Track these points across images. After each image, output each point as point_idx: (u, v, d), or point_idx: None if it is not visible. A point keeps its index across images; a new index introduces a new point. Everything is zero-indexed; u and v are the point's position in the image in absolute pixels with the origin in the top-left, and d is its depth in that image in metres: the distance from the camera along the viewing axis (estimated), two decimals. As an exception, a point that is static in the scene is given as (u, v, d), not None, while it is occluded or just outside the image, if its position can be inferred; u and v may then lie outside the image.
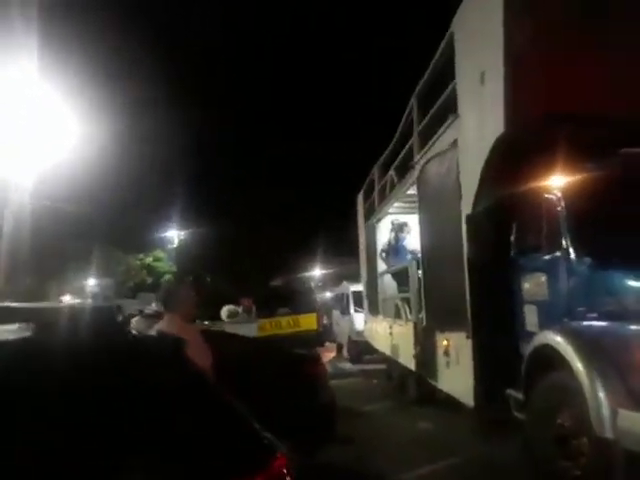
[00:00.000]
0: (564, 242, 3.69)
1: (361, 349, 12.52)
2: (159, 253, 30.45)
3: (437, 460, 4.92)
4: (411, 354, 6.79)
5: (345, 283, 16.67)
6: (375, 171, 9.46)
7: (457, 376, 5.11)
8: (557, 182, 3.80)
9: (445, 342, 5.44)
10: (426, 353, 6.17)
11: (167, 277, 30.38)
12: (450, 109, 5.19)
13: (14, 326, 2.01)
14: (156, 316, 4.78)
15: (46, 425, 1.54)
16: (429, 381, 6.10)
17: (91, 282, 25.02)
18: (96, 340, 1.82)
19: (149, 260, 29.73)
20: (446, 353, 5.41)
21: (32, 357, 1.70)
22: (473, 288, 4.64)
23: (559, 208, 3.77)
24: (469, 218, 4.55)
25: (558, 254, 3.74)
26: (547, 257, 3.88)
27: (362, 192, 11.05)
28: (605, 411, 2.97)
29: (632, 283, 3.18)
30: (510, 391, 4.32)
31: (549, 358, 3.59)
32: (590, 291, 3.45)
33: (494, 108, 3.97)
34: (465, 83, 4.70)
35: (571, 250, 3.61)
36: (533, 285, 4.08)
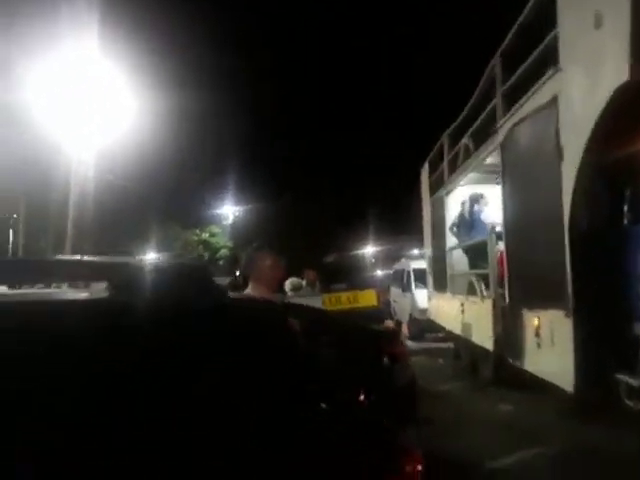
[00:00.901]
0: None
1: (422, 327, 12.15)
2: (215, 228, 30.88)
3: (525, 447, 4.54)
4: (488, 333, 6.38)
5: (404, 260, 16.23)
6: (444, 140, 8.91)
7: (551, 358, 4.68)
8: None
9: (536, 321, 4.99)
10: (508, 332, 5.74)
11: (223, 251, 30.89)
12: (547, 63, 4.65)
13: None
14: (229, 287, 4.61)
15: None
16: (512, 362, 5.67)
17: (150, 256, 25.71)
18: (197, 304, 1.53)
19: (205, 236, 30.22)
20: (537, 333, 4.96)
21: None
22: (576, 261, 4.17)
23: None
24: (577, 181, 4.05)
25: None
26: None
27: (427, 163, 10.52)
28: None
29: None
30: (621, 376, 3.88)
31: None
32: None
33: (614, 55, 3.45)
34: (571, 30, 4.14)
35: None
36: (656, 258, 3.58)
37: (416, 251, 32.47)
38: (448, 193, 8.70)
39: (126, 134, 11.60)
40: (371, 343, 4.37)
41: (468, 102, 7.58)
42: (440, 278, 9.28)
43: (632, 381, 3.72)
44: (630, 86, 3.36)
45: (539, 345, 4.95)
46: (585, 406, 4.27)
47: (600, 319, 4.02)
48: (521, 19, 5.13)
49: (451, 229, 8.25)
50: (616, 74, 3.45)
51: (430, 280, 10.44)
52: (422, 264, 13.11)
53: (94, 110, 10.07)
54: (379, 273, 19.80)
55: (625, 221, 3.94)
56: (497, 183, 7.89)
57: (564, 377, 4.31)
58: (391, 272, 17.96)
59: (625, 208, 3.94)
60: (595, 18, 3.64)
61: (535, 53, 4.87)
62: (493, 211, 7.81)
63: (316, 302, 10.55)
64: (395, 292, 15.06)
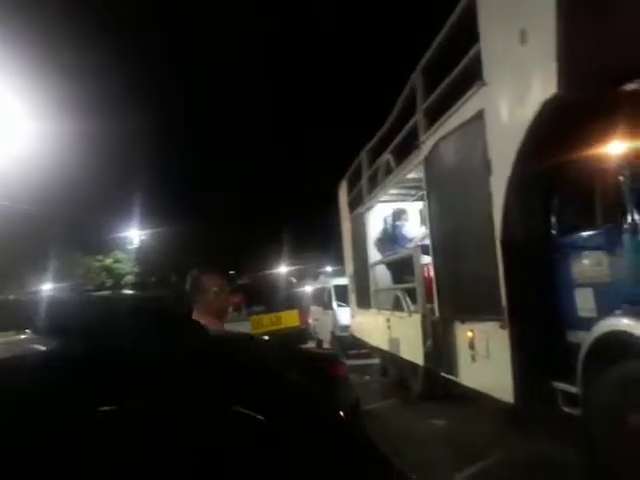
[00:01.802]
0: (630, 216, 3.29)
1: (345, 344, 12.08)
2: (119, 254, 29.01)
3: (465, 462, 4.48)
4: (418, 348, 6.35)
5: (323, 277, 16.18)
6: (363, 157, 8.96)
7: (488, 370, 4.68)
8: (619, 148, 3.39)
9: (469, 333, 5.00)
10: (440, 346, 5.73)
11: (128, 278, 29.04)
12: (469, 78, 4.74)
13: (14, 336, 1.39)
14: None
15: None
16: (445, 376, 5.66)
17: (46, 286, 23.51)
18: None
19: (109, 261, 28.28)
20: (471, 345, 4.97)
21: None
22: (508, 273, 4.21)
23: (622, 177, 3.36)
24: (506, 193, 4.10)
25: (621, 229, 3.34)
26: (605, 234, 3.48)
27: (345, 181, 10.55)
28: None
29: None
30: (558, 384, 3.93)
31: (618, 346, 3.19)
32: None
33: (541, 68, 3.53)
34: (495, 45, 4.24)
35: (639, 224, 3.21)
36: (588, 266, 3.67)
37: (329, 268, 32.82)
38: (368, 209, 8.72)
39: (22, 157, 10.58)
40: (318, 366, 4.05)
41: (385, 119, 7.68)
42: (363, 294, 9.23)
43: (569, 388, 3.77)
44: (557, 98, 3.45)
45: (474, 358, 4.95)
46: (524, 416, 4.28)
47: (535, 329, 4.06)
48: (441, 35, 5.23)
49: (376, 244, 8.24)
50: (544, 87, 3.53)
51: (352, 297, 10.39)
52: (342, 281, 13.13)
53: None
54: (296, 292, 19.60)
55: (554, 231, 4.04)
56: (416, 199, 8.08)
57: (503, 389, 4.30)
58: (308, 290, 17.82)
59: (554, 219, 4.04)
60: (520, 34, 3.73)
61: (457, 68, 4.96)
62: (414, 226, 7.95)
63: (244, 327, 10.09)
64: (316, 310, 14.91)
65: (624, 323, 3.21)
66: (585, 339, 3.54)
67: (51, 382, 1.05)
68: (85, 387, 1.04)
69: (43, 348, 1.19)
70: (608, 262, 3.47)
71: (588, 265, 3.67)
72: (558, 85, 3.38)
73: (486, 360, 4.68)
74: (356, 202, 9.56)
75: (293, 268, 35.81)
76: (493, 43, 4.26)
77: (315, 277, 26.88)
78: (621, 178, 3.38)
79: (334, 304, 13.35)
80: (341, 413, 1.54)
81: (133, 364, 1.13)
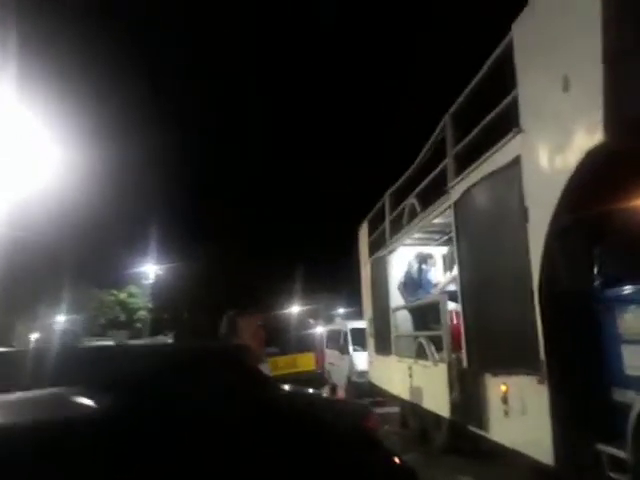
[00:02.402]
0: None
1: (361, 391, 11.71)
2: (133, 288, 29.06)
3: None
4: (443, 399, 6.08)
5: (339, 319, 15.93)
6: (386, 199, 8.92)
7: (523, 427, 4.42)
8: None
9: (503, 387, 4.75)
10: (468, 398, 5.47)
11: (141, 312, 28.97)
12: (503, 124, 4.71)
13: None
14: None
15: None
16: (474, 431, 5.36)
17: (60, 318, 23.48)
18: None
19: (123, 296, 28.32)
20: (504, 400, 4.71)
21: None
22: (547, 325, 4.02)
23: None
24: (545, 242, 3.97)
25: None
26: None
27: (366, 223, 10.50)
28: None
29: None
30: (602, 447, 3.67)
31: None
32: None
33: (586, 116, 3.47)
34: (534, 92, 4.20)
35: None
36: (636, 320, 3.48)
37: (342, 310, 32.43)
38: (391, 252, 8.59)
39: (42, 189, 10.76)
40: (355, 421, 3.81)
41: (408, 162, 7.68)
42: (383, 340, 8.98)
43: (617, 452, 3.52)
44: (603, 147, 3.36)
45: (507, 413, 4.69)
46: (567, 478, 3.99)
47: (576, 385, 3.84)
48: (475, 80, 5.23)
49: (398, 288, 8.07)
50: (589, 136, 3.45)
51: (371, 342, 10.13)
52: (359, 324, 12.87)
53: (6, 162, 9.23)
54: (309, 333, 19.28)
55: (596, 282, 3.87)
56: (440, 243, 7.97)
57: (541, 448, 4.04)
58: (322, 332, 17.49)
59: (597, 269, 3.88)
60: (563, 81, 3.69)
61: (491, 114, 4.94)
62: (439, 271, 7.80)
63: (263, 368, 9.83)
64: (331, 354, 14.57)
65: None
66: (636, 399, 3.32)
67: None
68: None
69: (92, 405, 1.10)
70: (659, 317, 3.29)
71: (636, 320, 3.48)
72: (605, 133, 3.30)
73: (521, 416, 4.42)
74: (377, 245, 9.46)
75: (305, 308, 35.49)
76: (532, 90, 4.23)
77: (328, 319, 26.53)
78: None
79: (350, 348, 13.04)
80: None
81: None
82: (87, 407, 1.15)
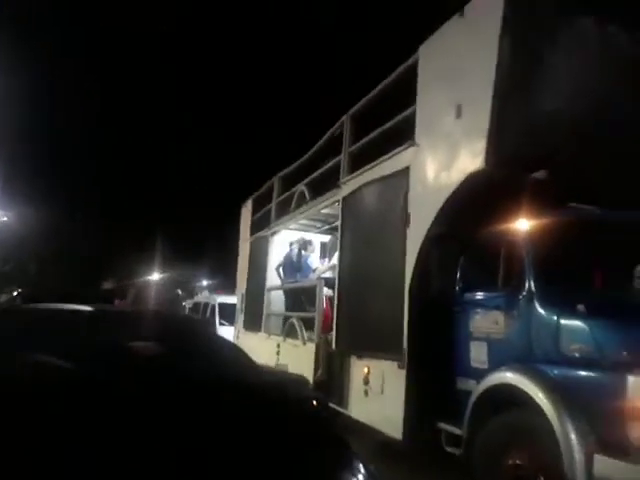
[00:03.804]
0: (527, 285, 3.80)
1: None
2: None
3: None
4: (309, 376, 6.49)
5: (207, 293, 15.80)
6: (275, 182, 9.10)
7: (380, 406, 4.98)
8: (525, 225, 3.92)
9: (365, 369, 5.28)
10: (333, 377, 5.96)
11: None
12: (400, 134, 5.15)
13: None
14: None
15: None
16: (334, 407, 5.86)
17: None
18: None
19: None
20: (365, 381, 5.25)
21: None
22: (412, 320, 4.57)
23: (526, 251, 3.88)
24: (420, 247, 4.49)
25: (519, 295, 3.84)
26: (505, 296, 3.96)
27: (251, 201, 10.58)
28: (579, 455, 3.04)
29: (597, 330, 3.35)
30: (443, 425, 4.31)
31: (506, 397, 3.63)
32: (552, 334, 3.57)
33: (473, 143, 3.99)
34: (429, 114, 4.68)
35: (537, 293, 3.73)
36: (484, 322, 4.13)
37: (205, 282, 31.92)
38: (274, 234, 8.82)
39: None
40: None
41: (286, 149, 7.93)
42: (254, 316, 9.20)
43: (454, 429, 4.17)
44: (481, 173, 3.92)
45: (367, 393, 5.23)
46: (411, 451, 4.60)
47: (430, 373, 4.44)
48: (379, 87, 5.61)
49: (277, 269, 8.33)
50: (472, 161, 3.98)
51: (240, 317, 10.31)
52: (228, 299, 12.96)
53: None
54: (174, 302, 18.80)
55: (457, 287, 4.49)
56: (321, 232, 8.39)
57: (392, 425, 4.61)
58: (186, 305, 17.21)
59: (459, 276, 4.50)
60: (456, 108, 4.18)
61: (389, 123, 5.36)
62: (317, 257, 8.22)
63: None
64: (195, 326, 14.44)
65: (511, 377, 3.65)
66: (475, 388, 3.96)
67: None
68: None
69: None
70: (503, 321, 3.95)
71: (485, 322, 4.14)
72: (485, 160, 3.85)
73: (379, 396, 4.98)
74: (261, 224, 9.61)
75: (165, 276, 34.18)
76: (428, 110, 4.70)
77: (191, 291, 26.01)
78: (523, 251, 3.91)
79: (217, 322, 13.08)
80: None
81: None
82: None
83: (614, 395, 2.98)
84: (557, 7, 3.85)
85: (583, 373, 3.26)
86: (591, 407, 3.12)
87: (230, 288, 13.88)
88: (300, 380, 2.61)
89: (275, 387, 1.99)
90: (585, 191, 4.08)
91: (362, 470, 1.63)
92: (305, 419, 1.86)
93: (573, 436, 3.08)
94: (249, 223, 10.39)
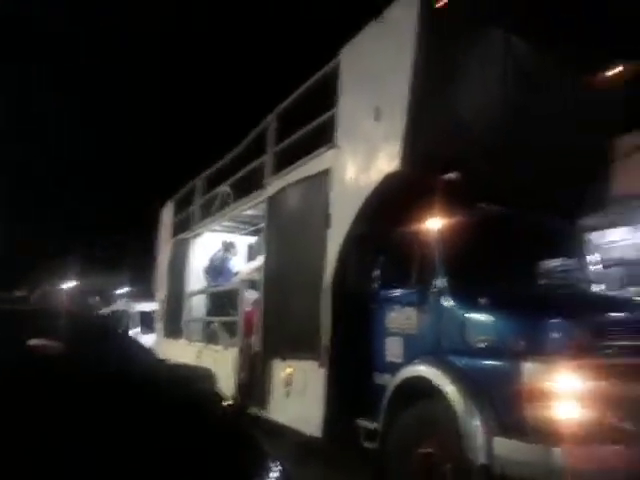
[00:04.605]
0: (437, 281, 3.99)
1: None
2: None
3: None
4: (231, 381, 6.40)
5: (125, 300, 15.12)
6: (198, 183, 8.92)
7: (301, 406, 4.99)
8: (435, 225, 4.12)
9: (288, 370, 5.28)
10: (255, 381, 5.89)
11: None
12: (322, 135, 5.24)
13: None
14: None
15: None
16: (256, 411, 5.79)
17: None
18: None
19: None
20: (288, 382, 5.24)
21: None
22: (332, 317, 4.64)
23: (435, 249, 4.08)
24: (340, 247, 4.58)
25: (430, 291, 4.02)
26: (417, 293, 4.13)
27: (172, 203, 10.29)
28: (480, 438, 3.22)
29: (497, 322, 3.58)
30: (360, 421, 4.40)
31: (418, 389, 3.77)
32: (458, 327, 3.76)
33: (390, 145, 4.13)
34: (349, 116, 4.80)
35: (445, 289, 3.92)
36: (399, 318, 4.28)
37: (122, 290, 30.44)
38: (196, 236, 8.63)
39: None
40: None
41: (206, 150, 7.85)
42: (174, 323, 8.91)
43: (370, 425, 4.27)
44: (398, 174, 4.07)
45: (288, 394, 5.22)
46: (330, 449, 4.64)
47: (349, 370, 4.53)
48: (302, 89, 5.68)
49: (199, 273, 8.15)
50: (389, 162, 4.13)
51: (160, 325, 9.94)
52: (148, 306, 12.49)
53: None
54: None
55: (375, 285, 4.62)
56: (245, 233, 8.31)
57: (312, 424, 4.63)
58: (104, 313, 16.31)
59: (376, 274, 4.63)
60: (375, 111, 4.32)
61: (311, 125, 5.45)
62: (241, 260, 8.13)
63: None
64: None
65: (422, 369, 3.81)
66: (390, 382, 4.08)
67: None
68: None
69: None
70: (416, 317, 4.11)
71: (399, 318, 4.28)
72: (401, 162, 4.01)
73: (301, 396, 4.99)
74: (182, 227, 9.37)
75: (80, 284, 32.29)
76: (348, 113, 4.82)
77: (108, 298, 24.72)
78: (433, 249, 4.10)
79: (138, 331, 12.53)
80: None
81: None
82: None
83: (512, 381, 3.19)
84: (469, 17, 4.09)
85: (486, 362, 3.46)
86: (493, 393, 3.31)
87: (152, 295, 13.35)
88: (206, 374, 2.55)
89: (179, 382, 1.95)
90: (494, 193, 4.34)
91: (275, 468, 1.62)
92: (211, 416, 1.83)
93: (475, 421, 3.26)
94: (170, 225, 10.11)
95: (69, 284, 30.61)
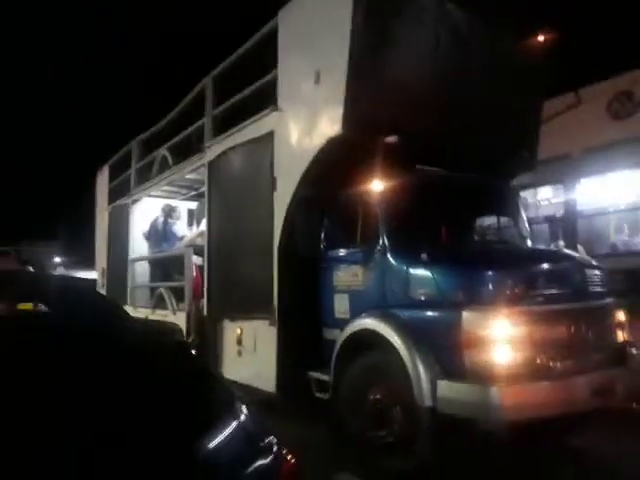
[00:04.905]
0: (381, 240, 4.19)
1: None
2: None
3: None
4: (181, 345, 6.48)
5: (63, 269, 14.57)
6: (134, 146, 8.62)
7: (253, 364, 5.17)
8: (378, 187, 4.28)
9: (238, 331, 5.42)
10: (206, 343, 6.00)
11: None
12: (264, 98, 5.20)
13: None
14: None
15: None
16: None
17: None
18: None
19: None
20: (239, 342, 5.40)
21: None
22: (281, 278, 4.79)
23: (378, 210, 4.26)
24: (287, 209, 4.67)
25: (374, 249, 4.22)
26: (362, 252, 4.32)
27: (108, 167, 9.91)
28: (425, 382, 3.52)
29: (437, 276, 3.84)
30: (313, 374, 4.64)
31: (366, 341, 4.03)
32: (402, 282, 4.01)
33: (331, 109, 4.20)
34: (291, 79, 4.79)
35: (389, 247, 4.13)
36: (346, 276, 4.48)
37: (58, 259, 29.28)
38: (135, 202, 8.41)
39: None
40: None
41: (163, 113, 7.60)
42: (118, 291, 8.77)
43: (322, 376, 4.52)
44: (340, 138, 4.17)
45: (240, 353, 5.39)
46: (284, 402, 4.87)
47: (300, 327, 4.72)
48: (241, 50, 5.57)
49: (145, 239, 8.00)
50: (331, 126, 4.21)
51: (103, 292, 9.74)
52: (88, 275, 12.15)
53: None
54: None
55: (322, 245, 4.78)
56: (186, 198, 8.19)
57: (266, 379, 4.84)
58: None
59: (322, 235, 4.78)
60: (315, 74, 4.36)
61: (252, 87, 5.38)
62: (183, 225, 8.04)
63: None
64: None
65: (369, 322, 4.06)
66: (339, 336, 4.32)
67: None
68: None
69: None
70: (362, 274, 4.32)
71: (346, 276, 4.49)
72: (342, 126, 4.10)
73: (253, 355, 5.17)
74: (119, 192, 9.09)
75: (8, 251, 30.59)
76: (290, 75, 4.81)
77: (42, 267, 23.68)
78: (377, 210, 4.28)
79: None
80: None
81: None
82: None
83: (452, 329, 3.47)
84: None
85: (428, 313, 3.74)
86: (435, 341, 3.60)
87: (89, 263, 12.92)
88: (175, 328, 2.71)
89: (155, 334, 2.10)
90: (432, 154, 4.54)
91: (243, 408, 1.77)
92: (187, 360, 1.99)
93: (420, 367, 3.55)
94: (106, 191, 9.78)
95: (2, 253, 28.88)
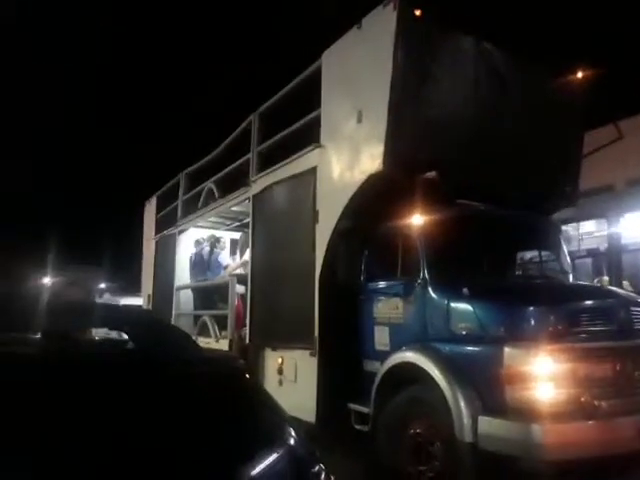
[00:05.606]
0: (422, 273, 4.26)
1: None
2: None
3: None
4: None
5: (109, 295, 15.13)
6: (182, 179, 9.03)
7: (294, 394, 5.24)
8: (419, 220, 4.37)
9: (279, 360, 5.53)
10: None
11: None
12: (307, 134, 5.44)
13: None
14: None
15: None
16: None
17: None
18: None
19: None
20: (280, 371, 5.50)
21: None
22: (322, 309, 4.89)
23: (419, 243, 4.34)
24: (328, 242, 4.81)
25: (415, 282, 4.29)
26: (403, 284, 4.40)
27: (155, 198, 10.37)
28: (466, 418, 3.52)
29: (479, 310, 3.86)
30: (352, 405, 4.68)
31: (407, 374, 4.06)
32: (443, 316, 4.05)
33: (372, 147, 4.37)
34: (334, 117, 5.00)
35: (429, 280, 4.20)
36: (386, 308, 4.55)
37: (103, 285, 30.20)
38: (181, 232, 8.76)
39: None
40: None
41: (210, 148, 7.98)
42: (163, 317, 9.08)
43: (362, 408, 4.55)
44: (380, 174, 4.32)
45: (281, 382, 5.48)
46: (324, 433, 4.91)
47: (340, 358, 4.80)
48: (286, 89, 5.85)
49: (190, 268, 8.31)
50: (372, 163, 4.37)
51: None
52: (133, 301, 12.56)
53: None
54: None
55: (362, 277, 4.88)
56: (230, 228, 8.47)
57: (306, 410, 4.89)
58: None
59: (362, 267, 4.88)
60: (357, 113, 4.55)
61: (297, 124, 5.63)
62: (227, 254, 8.31)
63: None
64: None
65: (410, 355, 4.09)
66: (380, 368, 4.37)
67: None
68: None
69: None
70: (402, 307, 4.39)
71: (387, 308, 4.56)
72: (383, 163, 4.25)
73: (293, 385, 5.26)
74: (166, 222, 9.47)
75: (58, 279, 31.81)
76: (332, 114, 5.03)
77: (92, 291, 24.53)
78: (417, 244, 4.36)
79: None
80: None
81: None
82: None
83: (494, 364, 3.48)
84: (442, 26, 4.33)
85: (469, 348, 3.76)
86: (476, 377, 3.61)
87: (133, 290, 13.36)
88: (235, 356, 2.87)
89: (221, 361, 2.32)
90: (472, 190, 4.62)
91: (292, 432, 1.87)
92: (249, 385, 2.18)
93: (461, 402, 3.55)
94: (154, 221, 10.19)
95: (53, 278, 30.18)
